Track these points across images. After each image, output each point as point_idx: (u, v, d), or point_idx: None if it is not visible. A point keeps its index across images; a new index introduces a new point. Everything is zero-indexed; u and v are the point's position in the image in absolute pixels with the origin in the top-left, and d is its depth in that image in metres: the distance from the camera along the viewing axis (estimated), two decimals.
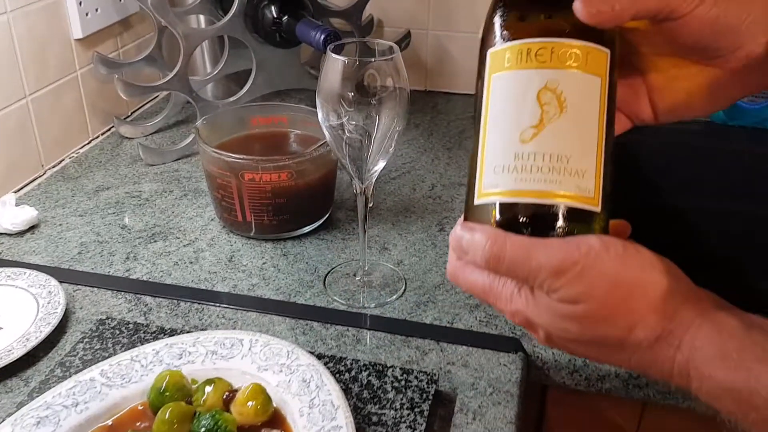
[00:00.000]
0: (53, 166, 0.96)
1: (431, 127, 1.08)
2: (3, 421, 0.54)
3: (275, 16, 0.91)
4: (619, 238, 0.39)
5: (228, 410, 0.54)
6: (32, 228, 0.83)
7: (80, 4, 0.94)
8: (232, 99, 0.97)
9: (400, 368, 0.61)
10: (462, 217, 0.42)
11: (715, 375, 0.37)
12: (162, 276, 0.75)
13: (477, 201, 0.40)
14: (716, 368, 0.37)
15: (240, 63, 1.05)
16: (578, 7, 0.39)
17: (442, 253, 0.78)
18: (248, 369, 0.58)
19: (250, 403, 0.54)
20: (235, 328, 0.67)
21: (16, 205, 0.84)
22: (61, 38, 0.94)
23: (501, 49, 0.40)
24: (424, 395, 0.58)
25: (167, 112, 1.07)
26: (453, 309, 0.70)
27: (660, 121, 0.47)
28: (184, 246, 0.80)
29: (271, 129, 0.87)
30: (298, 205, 0.79)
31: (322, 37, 0.85)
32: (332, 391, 0.54)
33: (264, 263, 0.77)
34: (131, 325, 0.67)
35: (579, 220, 0.39)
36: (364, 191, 0.68)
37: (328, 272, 0.75)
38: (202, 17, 1.07)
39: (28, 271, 0.73)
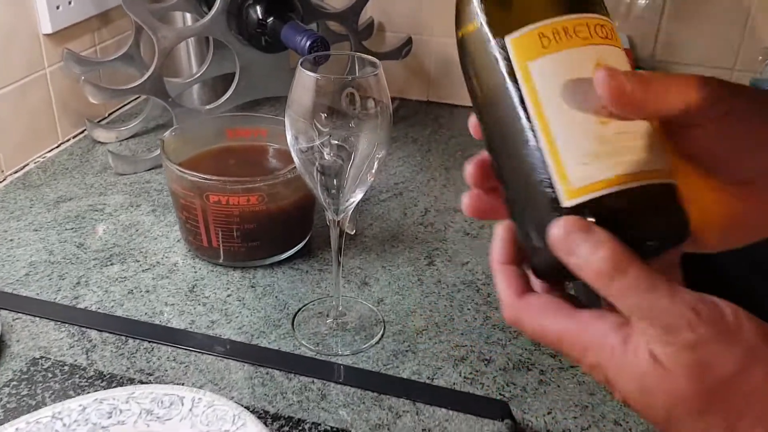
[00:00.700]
0: (15, 172, 0.88)
1: (430, 142, 1.00)
2: None
3: (260, 17, 0.83)
4: None
5: None
6: None
7: None
8: (210, 106, 0.89)
9: None
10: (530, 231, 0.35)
11: None
12: (113, 306, 0.67)
13: (571, 202, 0.33)
14: None
15: (227, 65, 0.97)
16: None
17: (428, 292, 0.69)
18: None
19: None
20: (185, 374, 0.59)
21: None
22: (28, 33, 0.87)
23: (529, 32, 0.34)
24: None
25: (146, 114, 0.99)
26: (435, 361, 0.61)
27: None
28: (143, 271, 0.72)
29: (249, 142, 0.78)
30: (270, 232, 0.70)
31: (308, 43, 0.76)
32: None
33: (228, 296, 0.68)
34: (66, 368, 0.59)
35: (679, 200, 0.34)
36: (339, 223, 0.60)
37: (299, 310, 0.67)
38: (189, 16, 0.99)
39: None
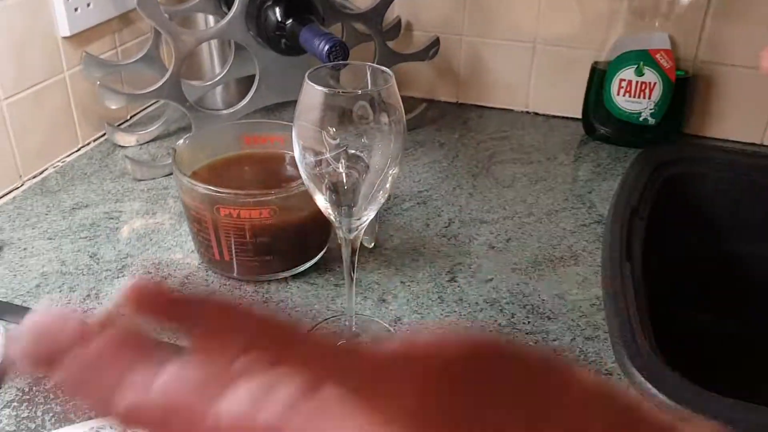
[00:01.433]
0: (33, 177, 0.87)
1: (458, 147, 0.96)
2: None
3: (279, 19, 0.80)
4: None
5: None
6: None
7: None
8: (229, 110, 0.86)
9: None
10: None
11: None
12: None
13: None
14: None
15: (250, 68, 0.94)
16: None
17: (449, 312, 0.66)
18: None
19: None
20: None
21: None
22: (46, 36, 0.85)
23: None
24: None
25: (166, 117, 0.97)
26: None
27: None
28: None
29: (266, 150, 0.76)
30: (284, 246, 0.67)
31: (326, 47, 0.73)
32: None
33: None
34: None
35: None
36: (351, 242, 0.56)
37: (312, 328, 0.63)
38: (211, 17, 0.97)
39: None
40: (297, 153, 0.52)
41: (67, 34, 0.86)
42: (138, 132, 0.96)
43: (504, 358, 0.25)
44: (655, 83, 0.92)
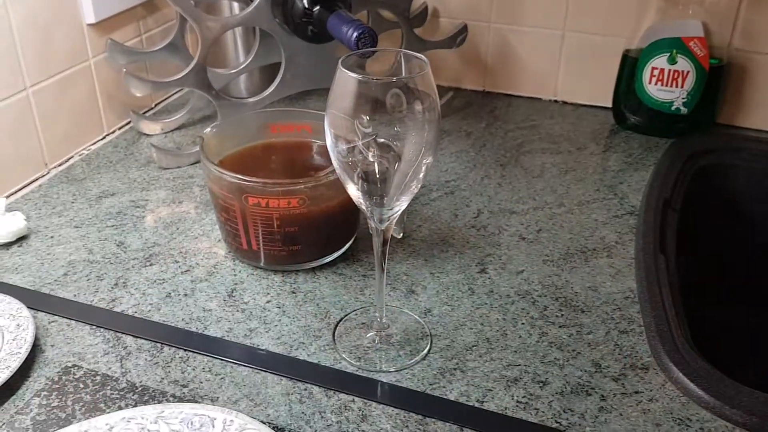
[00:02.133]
0: (59, 165, 0.87)
1: (485, 136, 0.94)
2: None
3: (306, 6, 0.79)
4: None
5: None
6: (21, 239, 0.74)
7: None
8: (255, 98, 0.86)
9: None
10: None
11: None
12: (150, 311, 0.64)
13: None
14: None
15: (274, 56, 0.93)
16: None
17: (479, 304, 0.65)
18: None
19: None
20: (221, 387, 0.56)
21: (8, 210, 0.76)
22: (71, 23, 0.84)
23: None
24: None
25: (191, 105, 0.97)
26: (485, 382, 0.57)
27: None
28: (182, 273, 0.69)
29: (293, 138, 0.75)
30: (312, 235, 0.67)
31: (354, 34, 0.72)
32: None
33: (268, 302, 0.65)
34: (98, 378, 0.56)
35: None
36: (383, 233, 0.55)
37: (340, 320, 0.63)
38: (236, 4, 0.96)
39: (0, 296, 0.64)
40: (329, 141, 0.51)
41: (93, 21, 0.86)
42: (163, 120, 0.95)
43: None
44: (688, 72, 0.90)
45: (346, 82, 0.48)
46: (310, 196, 0.64)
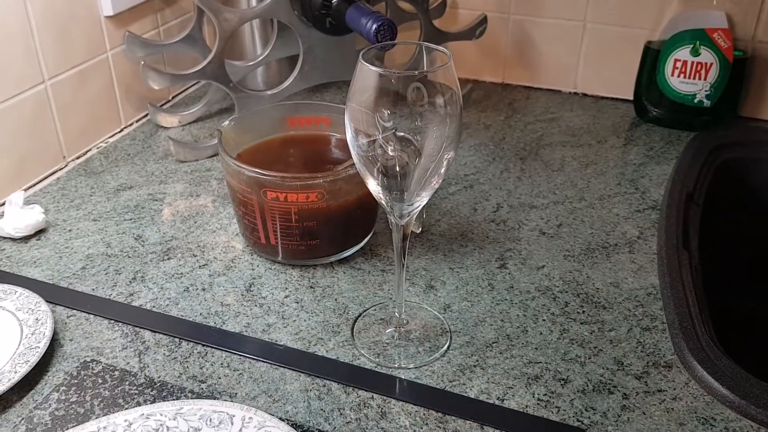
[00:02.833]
0: (77, 158, 0.87)
1: (504, 129, 0.93)
2: None
3: None
4: None
5: None
6: (40, 232, 0.74)
7: None
8: (273, 91, 0.85)
9: None
10: None
11: None
12: (168, 305, 0.64)
13: None
14: None
15: (292, 48, 0.92)
16: None
17: (499, 299, 0.64)
18: None
19: None
20: (239, 383, 0.56)
21: (26, 204, 0.76)
22: (89, 15, 0.84)
23: None
24: None
25: (209, 98, 0.96)
26: (506, 379, 0.56)
27: None
28: (200, 267, 0.69)
29: (311, 131, 0.74)
30: (331, 230, 0.66)
31: (374, 26, 0.71)
32: None
33: (286, 296, 0.65)
34: (117, 373, 0.56)
35: None
36: (403, 228, 0.55)
37: (359, 315, 0.62)
38: None
39: (19, 290, 0.64)
40: (349, 135, 0.51)
41: (110, 13, 0.85)
42: (180, 113, 0.95)
43: None
44: (711, 64, 0.89)
45: (366, 75, 0.48)
46: (328, 191, 0.63)
